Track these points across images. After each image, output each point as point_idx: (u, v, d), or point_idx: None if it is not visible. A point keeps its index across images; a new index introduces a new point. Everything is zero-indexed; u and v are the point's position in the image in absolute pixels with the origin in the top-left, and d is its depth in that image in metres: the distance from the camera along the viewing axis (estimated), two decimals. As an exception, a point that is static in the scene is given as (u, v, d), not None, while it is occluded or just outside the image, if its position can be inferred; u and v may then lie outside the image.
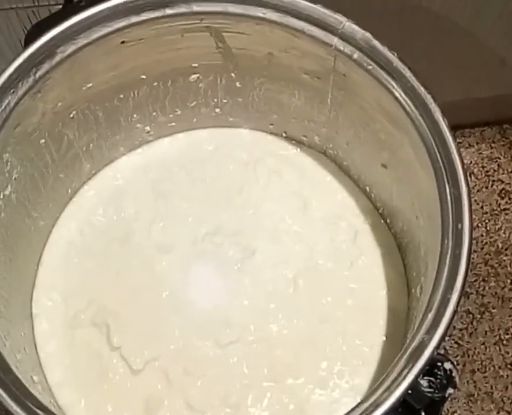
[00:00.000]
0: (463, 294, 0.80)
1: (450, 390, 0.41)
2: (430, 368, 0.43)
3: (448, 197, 0.43)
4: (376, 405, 0.40)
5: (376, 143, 0.53)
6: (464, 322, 0.81)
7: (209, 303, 0.56)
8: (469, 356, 0.80)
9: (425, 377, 0.43)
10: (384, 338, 0.55)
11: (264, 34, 0.49)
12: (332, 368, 0.54)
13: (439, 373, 0.42)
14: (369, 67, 0.46)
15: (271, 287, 0.56)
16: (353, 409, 0.41)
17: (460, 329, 0.81)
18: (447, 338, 0.80)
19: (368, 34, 0.45)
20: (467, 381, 0.79)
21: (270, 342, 0.55)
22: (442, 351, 0.79)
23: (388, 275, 0.57)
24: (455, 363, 0.41)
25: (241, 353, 0.54)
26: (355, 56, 0.46)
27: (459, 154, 0.43)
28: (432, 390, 0.42)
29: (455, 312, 0.41)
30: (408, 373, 0.40)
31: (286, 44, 0.49)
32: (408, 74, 0.45)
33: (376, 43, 0.45)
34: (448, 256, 0.42)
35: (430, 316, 0.42)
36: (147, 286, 0.56)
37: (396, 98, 0.45)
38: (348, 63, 0.47)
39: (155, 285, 0.56)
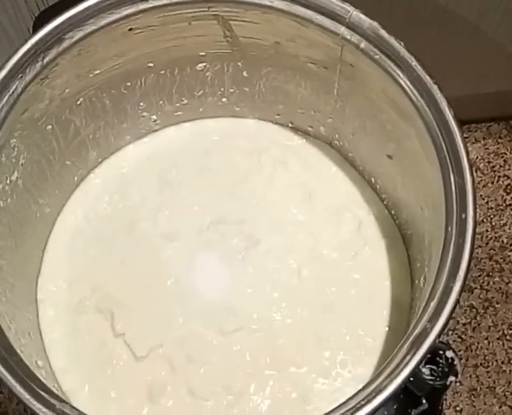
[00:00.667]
0: (467, 288, 0.81)
1: (451, 378, 0.42)
2: (432, 356, 0.43)
3: (453, 187, 0.43)
4: (377, 391, 0.40)
5: (382, 134, 0.53)
6: (467, 317, 0.81)
7: (213, 291, 0.56)
8: (472, 351, 0.80)
9: (427, 365, 0.43)
10: (387, 329, 0.55)
11: (271, 23, 0.49)
12: (335, 357, 0.54)
13: (440, 361, 0.43)
14: (376, 57, 0.46)
15: (275, 276, 0.57)
16: (354, 395, 0.41)
17: (464, 324, 0.81)
18: (450, 332, 0.80)
19: (375, 24, 0.46)
20: (470, 376, 0.80)
21: (273, 330, 0.55)
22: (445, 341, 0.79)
23: (392, 265, 0.58)
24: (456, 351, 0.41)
25: (245, 341, 0.54)
26: (362, 45, 0.46)
27: (464, 144, 0.43)
28: (433, 378, 0.42)
29: (457, 300, 0.41)
30: (410, 360, 0.40)
31: (293, 33, 0.49)
32: (414, 63, 0.45)
33: (383, 33, 0.45)
34: (452, 245, 0.43)
35: (433, 304, 0.42)
36: (152, 273, 0.56)
37: (402, 88, 0.46)
38: (355, 53, 0.47)
39: (159, 273, 0.56)
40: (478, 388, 0.79)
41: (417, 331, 0.41)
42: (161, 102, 0.57)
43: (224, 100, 0.59)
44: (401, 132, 0.50)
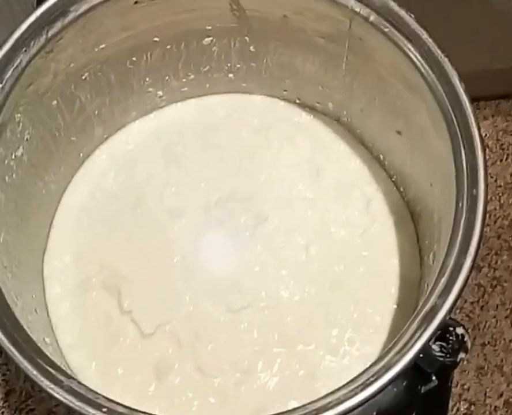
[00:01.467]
0: (475, 267, 0.80)
1: (462, 355, 0.41)
2: (442, 333, 0.43)
3: (464, 163, 0.43)
4: (387, 368, 0.40)
5: (392, 109, 0.52)
6: (475, 295, 0.81)
7: (220, 269, 0.56)
8: (479, 329, 0.80)
9: (437, 342, 0.43)
10: (396, 306, 0.55)
11: (279, -5, 0.48)
12: (343, 335, 0.54)
13: (450, 338, 0.42)
14: (386, 30, 0.45)
15: (283, 253, 0.56)
16: (364, 371, 0.40)
17: (472, 303, 0.81)
18: (457, 311, 0.80)
19: (385, -5, 0.45)
20: (478, 354, 0.79)
21: (281, 308, 0.55)
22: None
23: (401, 243, 0.57)
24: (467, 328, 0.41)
25: (252, 318, 0.54)
26: (371, 18, 0.46)
27: (476, 119, 0.43)
28: (443, 354, 0.42)
29: (468, 276, 0.41)
30: (420, 336, 0.40)
31: (300, 5, 0.48)
32: (425, 36, 0.44)
33: (393, 5, 0.44)
34: (463, 221, 0.42)
35: (443, 280, 0.41)
36: (158, 251, 0.56)
37: (413, 61, 0.45)
38: (364, 26, 0.46)
39: (166, 250, 0.56)
40: (486, 367, 0.79)
41: (427, 307, 0.41)
42: (167, 77, 0.56)
43: (231, 75, 0.58)
44: (410, 107, 0.49)
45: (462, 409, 0.78)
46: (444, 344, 0.42)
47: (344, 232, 0.57)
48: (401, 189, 0.58)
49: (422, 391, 0.42)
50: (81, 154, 0.58)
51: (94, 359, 0.53)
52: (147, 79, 0.56)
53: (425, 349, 0.40)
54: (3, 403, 0.61)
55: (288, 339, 0.54)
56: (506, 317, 0.80)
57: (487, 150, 0.83)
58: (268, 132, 0.60)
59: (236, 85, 0.59)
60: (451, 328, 0.42)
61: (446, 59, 0.43)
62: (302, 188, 0.58)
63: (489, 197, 0.82)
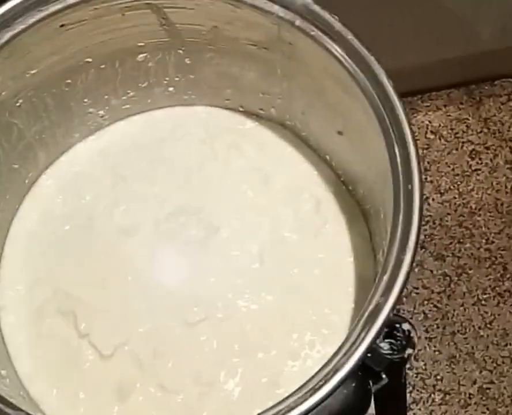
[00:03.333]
0: (439, 257, 0.81)
1: (409, 350, 0.42)
2: (390, 330, 0.43)
3: (398, 159, 0.43)
4: (335, 370, 0.40)
5: (330, 110, 0.52)
6: (442, 285, 0.81)
7: (175, 283, 0.55)
8: (448, 318, 0.80)
9: (386, 340, 0.43)
10: (354, 305, 0.55)
11: (206, 7, 0.48)
12: (303, 338, 0.54)
13: (398, 334, 0.42)
14: (312, 33, 0.45)
15: (237, 262, 0.56)
16: (313, 376, 0.41)
17: (439, 293, 0.81)
18: (425, 302, 0.80)
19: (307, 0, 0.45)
20: (448, 344, 0.80)
21: (239, 317, 0.54)
22: (421, 315, 0.79)
23: (354, 242, 0.57)
24: (413, 323, 0.41)
25: (211, 330, 0.54)
26: (297, 22, 0.46)
27: (406, 114, 0.43)
28: (391, 352, 0.42)
29: (409, 272, 0.41)
30: (365, 336, 0.40)
31: (229, 15, 0.48)
32: (350, 36, 0.44)
33: (315, 7, 0.45)
34: (401, 217, 0.42)
35: (385, 278, 0.42)
36: (112, 270, 0.56)
37: (341, 62, 0.45)
38: (292, 31, 0.46)
39: (120, 269, 0.56)
40: (457, 355, 0.79)
41: (371, 306, 0.41)
42: (106, 96, 0.56)
43: (171, 89, 0.58)
44: (346, 108, 0.49)
45: (437, 400, 0.79)
46: (393, 341, 0.43)
47: (297, 236, 0.57)
48: (350, 188, 0.58)
49: (373, 390, 0.42)
50: (26, 181, 0.57)
51: (54, 386, 0.53)
52: (85, 100, 0.55)
53: (373, 348, 0.41)
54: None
55: (248, 348, 0.54)
56: (473, 304, 0.80)
57: (442, 140, 0.84)
58: (214, 142, 0.60)
59: (177, 97, 0.59)
60: (398, 325, 0.42)
61: (373, 58, 0.43)
62: (252, 195, 0.58)
63: (447, 186, 0.83)
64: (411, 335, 0.41)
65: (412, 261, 0.41)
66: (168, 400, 0.52)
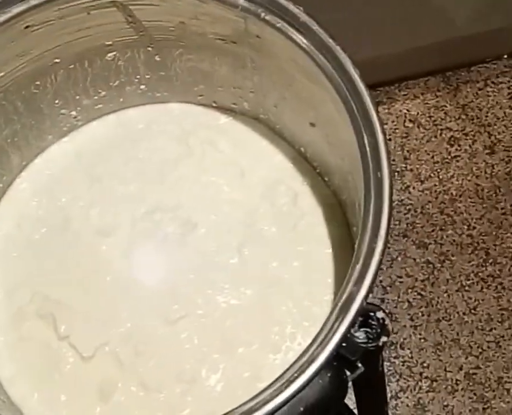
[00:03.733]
0: (422, 245, 0.81)
1: (384, 339, 0.41)
2: (365, 319, 0.43)
3: (367, 148, 0.43)
4: (310, 361, 0.40)
5: (301, 102, 0.52)
6: (425, 272, 0.81)
7: (154, 282, 0.55)
8: (433, 306, 0.81)
9: (362, 329, 0.43)
10: (333, 296, 0.55)
11: (172, 3, 0.48)
12: (284, 331, 0.54)
13: (373, 323, 0.42)
14: (278, 25, 0.45)
15: (216, 258, 0.56)
16: (288, 368, 0.41)
17: (422, 280, 0.82)
18: (409, 290, 0.80)
19: (271, -9, 0.45)
20: (434, 331, 0.80)
21: (219, 313, 0.54)
22: (406, 304, 0.79)
23: (332, 232, 0.57)
24: (386, 311, 0.41)
25: (191, 327, 0.54)
26: (263, 15, 0.46)
27: (374, 103, 0.43)
28: (367, 340, 0.42)
29: (381, 261, 0.41)
30: (339, 326, 0.40)
31: (194, 10, 0.48)
32: (316, 27, 0.44)
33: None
34: (372, 205, 0.42)
35: (357, 267, 0.42)
36: (90, 271, 0.56)
37: (307, 53, 0.45)
38: (258, 23, 0.46)
39: (98, 270, 0.56)
40: (443, 342, 0.80)
41: (344, 296, 0.41)
42: (77, 97, 0.56)
43: (143, 87, 0.58)
44: (316, 99, 0.49)
45: (424, 387, 0.79)
46: (368, 330, 0.43)
47: (275, 229, 0.57)
48: (326, 179, 0.58)
49: (349, 380, 0.42)
50: (1, 185, 0.57)
51: (36, 390, 0.53)
52: (56, 101, 0.55)
53: (347, 337, 0.41)
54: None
55: (229, 343, 0.54)
56: (457, 290, 0.81)
57: (421, 128, 0.84)
58: (189, 139, 0.59)
59: (150, 95, 0.59)
60: (372, 313, 0.42)
61: (338, 47, 0.43)
62: (229, 190, 0.58)
63: (427, 174, 0.83)
64: (386, 323, 0.42)
65: (384, 250, 0.41)
66: (150, 398, 0.52)
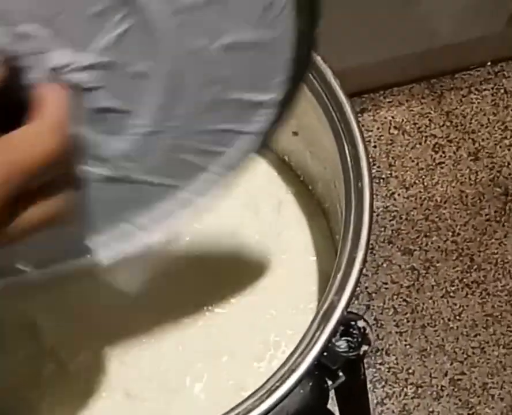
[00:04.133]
0: (407, 251, 0.81)
1: (365, 347, 0.42)
2: (346, 328, 0.43)
3: (348, 157, 0.43)
4: (291, 371, 0.40)
5: (283, 111, 0.52)
6: (410, 279, 0.82)
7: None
8: (418, 312, 0.81)
9: (343, 338, 0.43)
10: (317, 304, 0.55)
11: None
12: (268, 340, 0.54)
13: (354, 332, 0.43)
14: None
15: (200, 267, 0.56)
16: (270, 378, 0.41)
17: (407, 287, 0.82)
18: (394, 297, 0.81)
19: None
20: (419, 337, 0.81)
21: (204, 322, 0.54)
22: (391, 310, 0.79)
23: (316, 240, 0.58)
24: (368, 321, 0.42)
25: (175, 337, 0.54)
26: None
27: (354, 114, 0.43)
28: (348, 349, 0.42)
29: (361, 270, 0.41)
30: (320, 335, 0.40)
31: None
32: (296, 37, 0.44)
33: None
34: (352, 215, 0.43)
35: (339, 276, 0.42)
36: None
37: (288, 63, 0.45)
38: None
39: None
40: (428, 348, 0.80)
41: (326, 305, 0.41)
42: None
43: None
44: (298, 108, 0.49)
45: (409, 393, 0.79)
46: (350, 339, 0.43)
47: (258, 237, 0.58)
48: (310, 187, 0.58)
49: (330, 389, 0.42)
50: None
51: (18, 400, 0.52)
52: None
53: (328, 346, 0.41)
54: None
55: (213, 352, 0.54)
56: (442, 296, 0.81)
57: (405, 135, 0.84)
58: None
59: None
60: (353, 322, 0.42)
61: (319, 58, 0.44)
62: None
63: (412, 181, 0.84)
64: (367, 332, 0.42)
65: (364, 259, 0.41)
66: (135, 408, 0.52)
